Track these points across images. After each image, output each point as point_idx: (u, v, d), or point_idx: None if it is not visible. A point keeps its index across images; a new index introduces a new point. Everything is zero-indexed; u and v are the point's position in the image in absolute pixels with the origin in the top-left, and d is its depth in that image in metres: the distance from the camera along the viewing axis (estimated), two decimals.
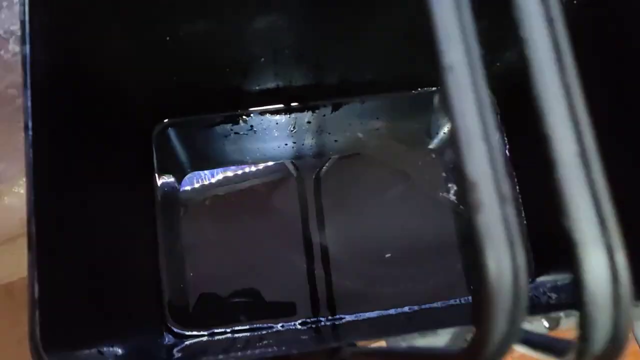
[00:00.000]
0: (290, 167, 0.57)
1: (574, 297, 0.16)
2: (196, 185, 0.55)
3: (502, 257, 0.15)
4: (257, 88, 0.53)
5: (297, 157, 0.57)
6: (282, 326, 0.51)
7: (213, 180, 0.55)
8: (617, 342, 0.16)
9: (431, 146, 0.60)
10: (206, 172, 0.55)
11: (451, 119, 0.16)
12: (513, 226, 0.15)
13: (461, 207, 0.58)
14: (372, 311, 0.53)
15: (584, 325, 0.16)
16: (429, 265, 0.55)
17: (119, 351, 0.36)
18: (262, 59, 0.48)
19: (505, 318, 0.15)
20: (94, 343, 0.34)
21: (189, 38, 0.42)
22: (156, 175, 0.53)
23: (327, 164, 0.57)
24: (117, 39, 0.40)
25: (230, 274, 0.53)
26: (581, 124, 0.16)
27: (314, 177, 0.57)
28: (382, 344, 0.46)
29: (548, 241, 0.50)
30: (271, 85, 0.53)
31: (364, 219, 0.56)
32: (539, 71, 0.16)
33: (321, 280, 0.54)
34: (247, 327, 0.50)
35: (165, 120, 0.54)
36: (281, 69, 0.50)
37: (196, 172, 0.55)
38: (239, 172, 0.56)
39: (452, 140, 0.16)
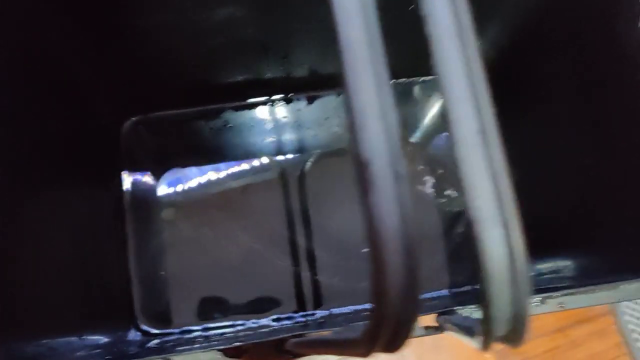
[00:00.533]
0: (273, 164, 0.57)
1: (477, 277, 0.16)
2: (172, 184, 0.55)
3: (395, 237, 0.15)
4: (226, 81, 0.53)
5: (279, 153, 0.57)
6: (254, 322, 0.50)
7: (191, 178, 0.55)
8: (518, 319, 0.16)
9: (412, 139, 0.59)
10: (184, 170, 0.55)
11: (346, 96, 0.16)
12: (408, 204, 0.15)
13: (440, 200, 0.58)
14: (348, 306, 0.53)
15: (487, 304, 0.16)
16: None
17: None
18: (228, 52, 0.47)
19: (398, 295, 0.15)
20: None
21: (149, 31, 0.42)
22: (126, 173, 0.53)
23: (310, 160, 0.57)
24: (70, 32, 0.40)
25: (206, 273, 0.53)
26: (481, 102, 0.16)
27: (298, 174, 0.56)
28: None
29: (546, 224, 0.49)
30: (240, 78, 0.53)
31: (346, 214, 0.56)
32: (439, 47, 0.16)
33: (304, 277, 0.54)
34: (220, 324, 0.50)
35: (134, 118, 0.53)
36: (248, 62, 0.50)
37: (173, 170, 0.55)
38: (219, 169, 0.56)
39: (347, 118, 0.15)
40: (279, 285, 0.53)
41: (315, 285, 0.54)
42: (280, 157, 0.56)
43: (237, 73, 0.52)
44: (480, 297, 0.16)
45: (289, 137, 0.58)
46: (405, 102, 0.61)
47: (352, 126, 0.15)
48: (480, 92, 0.16)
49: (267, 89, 0.55)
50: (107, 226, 0.48)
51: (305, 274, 0.54)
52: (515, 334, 0.16)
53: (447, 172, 0.59)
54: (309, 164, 0.57)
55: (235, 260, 0.54)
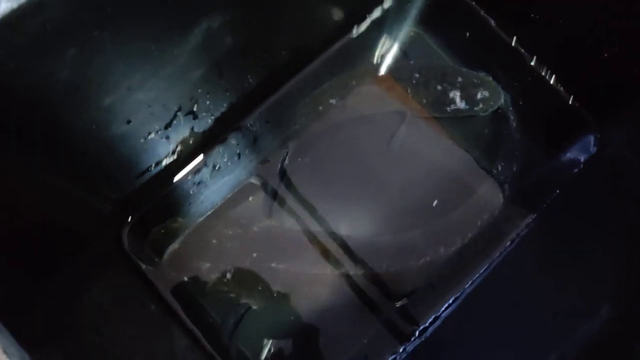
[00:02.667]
0: (255, 181, 0.52)
1: None
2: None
3: None
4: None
5: (263, 162, 0.53)
6: None
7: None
8: None
9: (381, 72, 0.55)
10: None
11: None
12: None
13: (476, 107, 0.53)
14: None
15: None
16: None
17: None
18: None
19: None
20: None
21: None
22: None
23: (287, 155, 0.53)
24: None
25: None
26: None
27: (278, 171, 0.52)
28: None
29: None
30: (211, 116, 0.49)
31: (351, 184, 0.52)
32: None
33: (357, 277, 0.50)
34: None
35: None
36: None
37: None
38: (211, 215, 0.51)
39: None
40: (344, 300, 0.49)
41: (382, 277, 0.50)
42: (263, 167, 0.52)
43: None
44: None
45: (271, 142, 0.53)
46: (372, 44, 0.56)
47: None
48: None
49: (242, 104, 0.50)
50: None
51: (357, 272, 0.50)
52: None
53: (464, 76, 0.54)
54: (286, 161, 0.52)
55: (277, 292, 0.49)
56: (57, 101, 0.33)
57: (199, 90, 0.44)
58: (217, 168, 0.52)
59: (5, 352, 0.29)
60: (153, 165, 0.48)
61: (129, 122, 0.40)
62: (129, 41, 0.33)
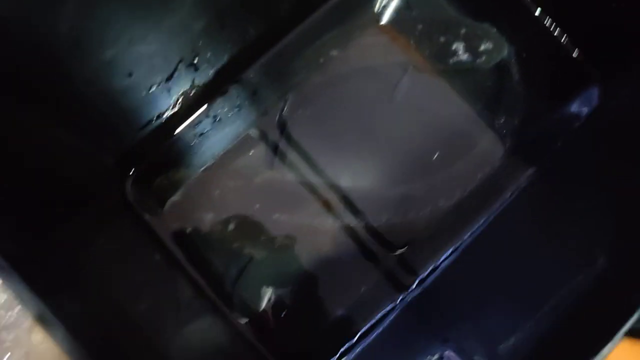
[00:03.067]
0: (254, 133, 0.52)
1: None
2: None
3: None
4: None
5: (263, 114, 0.52)
6: None
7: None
8: None
9: (382, 22, 0.54)
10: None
11: None
12: None
13: (479, 59, 0.53)
14: None
15: None
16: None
17: None
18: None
19: None
20: None
21: None
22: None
23: (285, 106, 0.52)
24: None
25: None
26: None
27: (276, 123, 0.52)
28: None
29: None
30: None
31: (350, 137, 0.52)
32: None
33: (359, 229, 0.51)
34: None
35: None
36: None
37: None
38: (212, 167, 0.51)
39: None
40: (344, 251, 0.50)
41: (375, 231, 0.51)
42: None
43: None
44: None
45: (272, 94, 0.53)
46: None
47: None
48: None
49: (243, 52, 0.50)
50: None
51: (357, 224, 0.51)
52: None
53: (468, 27, 0.54)
54: (285, 111, 0.52)
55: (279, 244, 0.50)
56: (59, 54, 0.33)
57: (200, 43, 0.44)
58: (218, 119, 0.52)
59: (20, 299, 0.30)
60: (155, 117, 0.48)
61: (130, 74, 0.40)
62: None
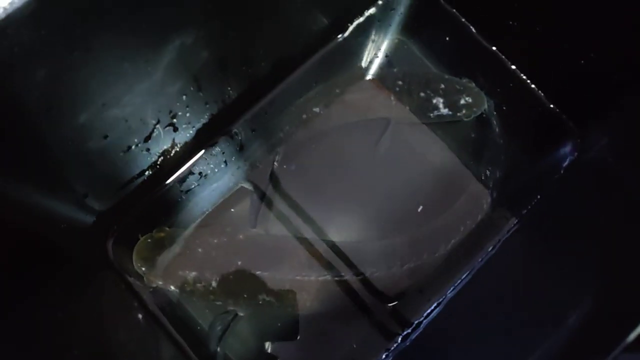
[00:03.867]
0: (247, 185, 0.53)
1: None
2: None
3: None
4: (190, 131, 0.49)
5: (253, 167, 0.53)
6: None
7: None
8: None
9: (368, 77, 0.55)
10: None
11: None
12: None
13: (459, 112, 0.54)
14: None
15: None
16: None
17: None
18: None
19: None
20: None
21: None
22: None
23: (276, 159, 0.53)
24: None
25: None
26: None
27: (268, 176, 0.53)
28: None
29: None
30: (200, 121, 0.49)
31: (338, 187, 0.52)
32: None
33: (351, 281, 0.50)
34: None
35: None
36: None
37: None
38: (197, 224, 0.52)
39: None
40: (329, 304, 0.50)
41: (367, 282, 0.50)
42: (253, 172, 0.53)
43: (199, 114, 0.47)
44: None
45: (257, 151, 0.54)
46: (358, 47, 0.56)
47: None
48: None
49: (227, 111, 0.51)
50: None
51: (350, 276, 0.50)
52: None
53: (447, 82, 0.55)
54: (275, 164, 0.53)
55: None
56: (32, 119, 0.34)
57: (177, 104, 0.45)
58: (204, 176, 0.52)
59: None
60: (136, 176, 0.48)
61: (106, 137, 0.40)
62: (99, 60, 0.33)
